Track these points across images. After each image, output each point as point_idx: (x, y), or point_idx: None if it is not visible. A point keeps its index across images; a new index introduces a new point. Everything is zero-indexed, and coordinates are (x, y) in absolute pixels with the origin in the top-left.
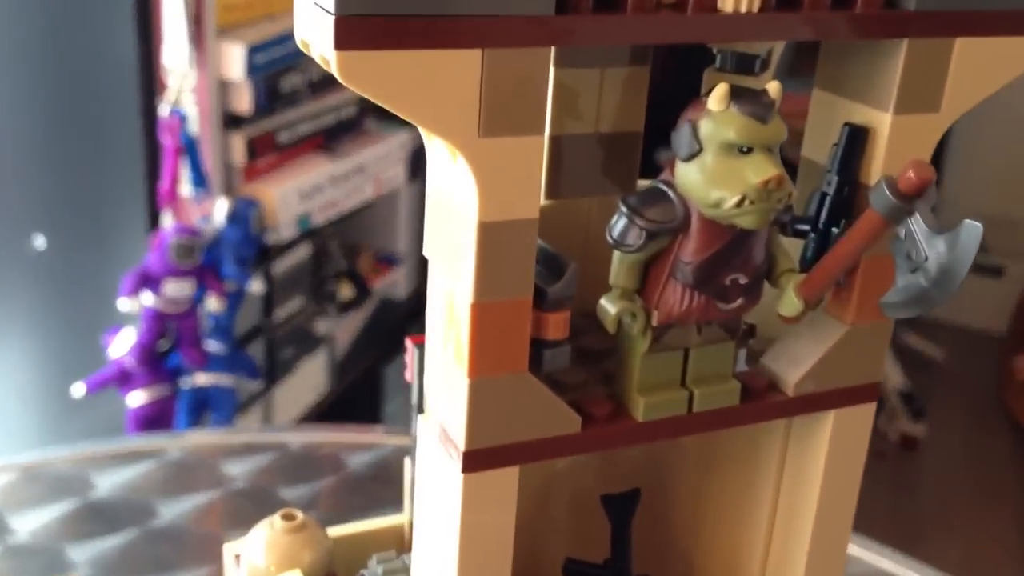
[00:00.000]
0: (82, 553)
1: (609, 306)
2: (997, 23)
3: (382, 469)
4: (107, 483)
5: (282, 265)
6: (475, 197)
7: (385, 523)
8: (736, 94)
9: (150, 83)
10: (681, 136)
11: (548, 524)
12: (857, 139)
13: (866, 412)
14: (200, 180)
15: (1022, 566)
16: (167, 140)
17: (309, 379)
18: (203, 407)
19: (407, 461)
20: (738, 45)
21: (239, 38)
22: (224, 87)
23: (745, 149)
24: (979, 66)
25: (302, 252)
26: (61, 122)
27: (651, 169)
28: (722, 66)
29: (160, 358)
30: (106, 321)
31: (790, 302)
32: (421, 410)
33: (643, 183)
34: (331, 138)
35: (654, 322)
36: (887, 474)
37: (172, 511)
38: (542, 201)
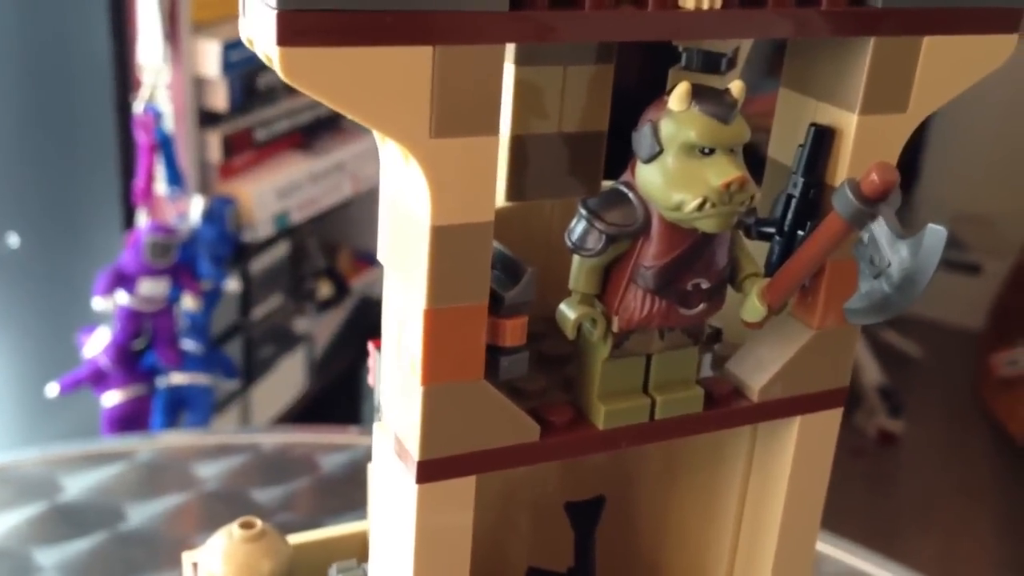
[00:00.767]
0: (49, 557)
1: (569, 311)
2: (965, 21)
3: (357, 471)
4: (76, 485)
5: (260, 263)
6: (427, 200)
7: (347, 530)
8: (698, 93)
9: (125, 80)
10: (642, 137)
11: (510, 532)
12: (823, 140)
13: (832, 417)
14: (175, 178)
15: (998, 561)
16: (142, 137)
17: (288, 378)
18: (179, 407)
19: (370, 467)
20: (704, 43)
21: (214, 35)
22: (200, 84)
23: (707, 150)
24: (947, 65)
25: (280, 250)
26: (35, 119)
27: (617, 170)
28: (687, 65)
29: (135, 357)
30: (81, 320)
31: (753, 307)
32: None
33: (608, 184)
34: (309, 135)
35: (615, 328)
36: (865, 470)
37: (142, 514)
38: (503, 203)
